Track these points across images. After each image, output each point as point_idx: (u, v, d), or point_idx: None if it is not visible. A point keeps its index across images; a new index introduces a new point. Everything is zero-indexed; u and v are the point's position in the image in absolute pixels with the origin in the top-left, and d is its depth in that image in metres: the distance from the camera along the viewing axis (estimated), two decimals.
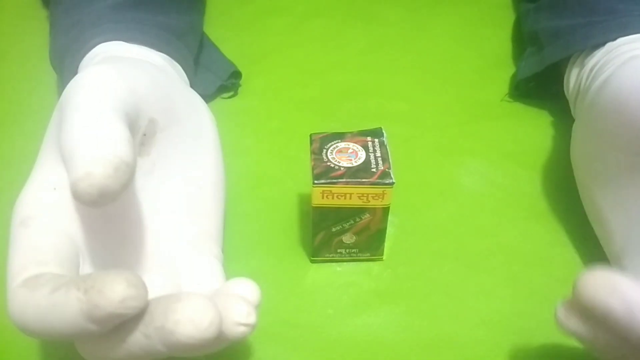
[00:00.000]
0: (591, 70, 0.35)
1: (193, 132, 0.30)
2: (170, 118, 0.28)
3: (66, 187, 0.25)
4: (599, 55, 0.35)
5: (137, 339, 0.22)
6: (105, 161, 0.21)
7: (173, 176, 0.29)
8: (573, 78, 0.37)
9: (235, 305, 0.23)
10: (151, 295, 0.24)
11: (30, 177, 0.26)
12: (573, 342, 0.29)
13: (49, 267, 0.22)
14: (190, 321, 0.21)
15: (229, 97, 0.44)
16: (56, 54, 0.38)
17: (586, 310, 0.23)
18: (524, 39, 0.46)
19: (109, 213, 0.26)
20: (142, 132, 0.27)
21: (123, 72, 0.26)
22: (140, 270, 0.26)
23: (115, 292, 0.20)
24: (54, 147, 0.25)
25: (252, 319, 0.23)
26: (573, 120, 0.35)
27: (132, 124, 0.25)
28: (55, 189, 0.25)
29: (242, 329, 0.23)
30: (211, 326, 0.21)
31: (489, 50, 0.49)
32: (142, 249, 0.27)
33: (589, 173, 0.31)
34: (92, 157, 0.22)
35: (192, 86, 0.37)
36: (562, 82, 0.39)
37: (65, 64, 0.36)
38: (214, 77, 0.43)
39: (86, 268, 0.24)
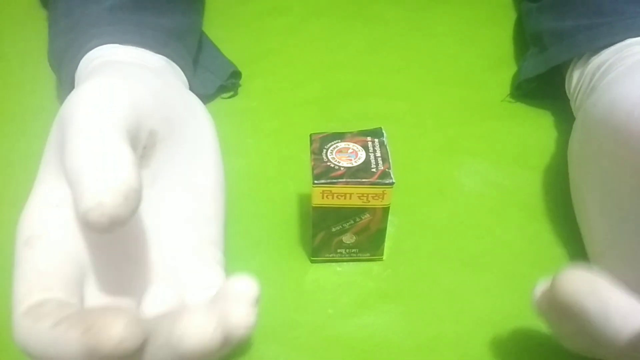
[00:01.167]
0: (598, 68, 0.35)
1: (192, 137, 0.30)
2: (170, 127, 0.28)
3: (68, 204, 0.25)
4: (608, 54, 0.35)
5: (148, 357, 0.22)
6: (115, 190, 0.22)
7: (174, 185, 0.28)
8: (575, 77, 0.37)
9: (235, 308, 0.24)
10: (155, 306, 0.25)
11: (32, 194, 0.25)
12: None
13: (53, 292, 0.22)
14: (194, 335, 0.22)
15: (229, 97, 0.44)
16: (54, 56, 0.38)
17: (562, 305, 0.23)
18: (526, 39, 0.46)
19: None
20: (142, 145, 0.27)
21: (122, 85, 0.26)
22: (144, 283, 0.26)
23: (113, 333, 0.20)
24: (54, 163, 0.25)
25: (251, 319, 0.24)
26: (574, 120, 0.35)
27: (133, 139, 0.25)
28: (57, 205, 0.24)
29: (242, 331, 0.24)
30: (215, 334, 0.22)
31: (489, 50, 0.49)
32: (146, 262, 0.27)
33: (579, 172, 0.31)
34: (101, 186, 0.22)
35: (191, 87, 0.37)
36: (564, 82, 0.39)
37: (63, 66, 0.36)
38: (214, 78, 0.43)
39: (90, 284, 0.25)
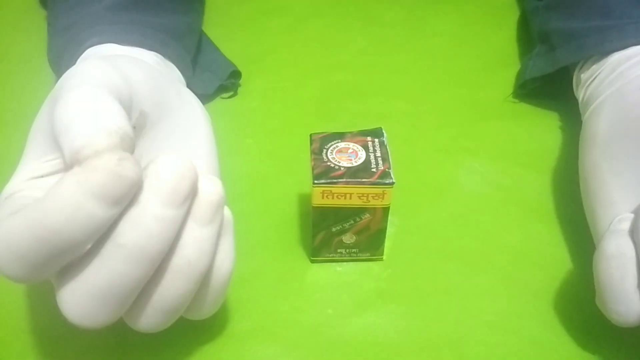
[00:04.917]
0: (613, 70, 0.34)
1: (184, 125, 0.29)
2: (161, 112, 0.28)
3: (53, 174, 0.24)
4: (618, 57, 0.34)
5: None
6: (111, 130, 0.21)
7: None
8: (585, 75, 0.37)
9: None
10: None
11: (15, 171, 0.25)
12: (572, 342, 0.29)
13: None
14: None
15: (229, 97, 0.44)
16: (53, 55, 0.38)
17: None
18: (529, 38, 0.45)
19: None
20: (132, 124, 0.26)
21: (116, 64, 0.26)
22: None
23: (113, 152, 0.19)
24: (39, 139, 0.25)
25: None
26: (575, 120, 0.35)
27: (125, 111, 0.25)
28: (42, 176, 0.24)
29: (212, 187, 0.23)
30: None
31: (489, 50, 0.49)
32: None
33: (583, 175, 0.31)
34: (96, 126, 0.21)
35: (191, 86, 0.37)
36: (568, 81, 0.39)
37: (62, 65, 0.36)
38: (214, 77, 0.43)
39: None
